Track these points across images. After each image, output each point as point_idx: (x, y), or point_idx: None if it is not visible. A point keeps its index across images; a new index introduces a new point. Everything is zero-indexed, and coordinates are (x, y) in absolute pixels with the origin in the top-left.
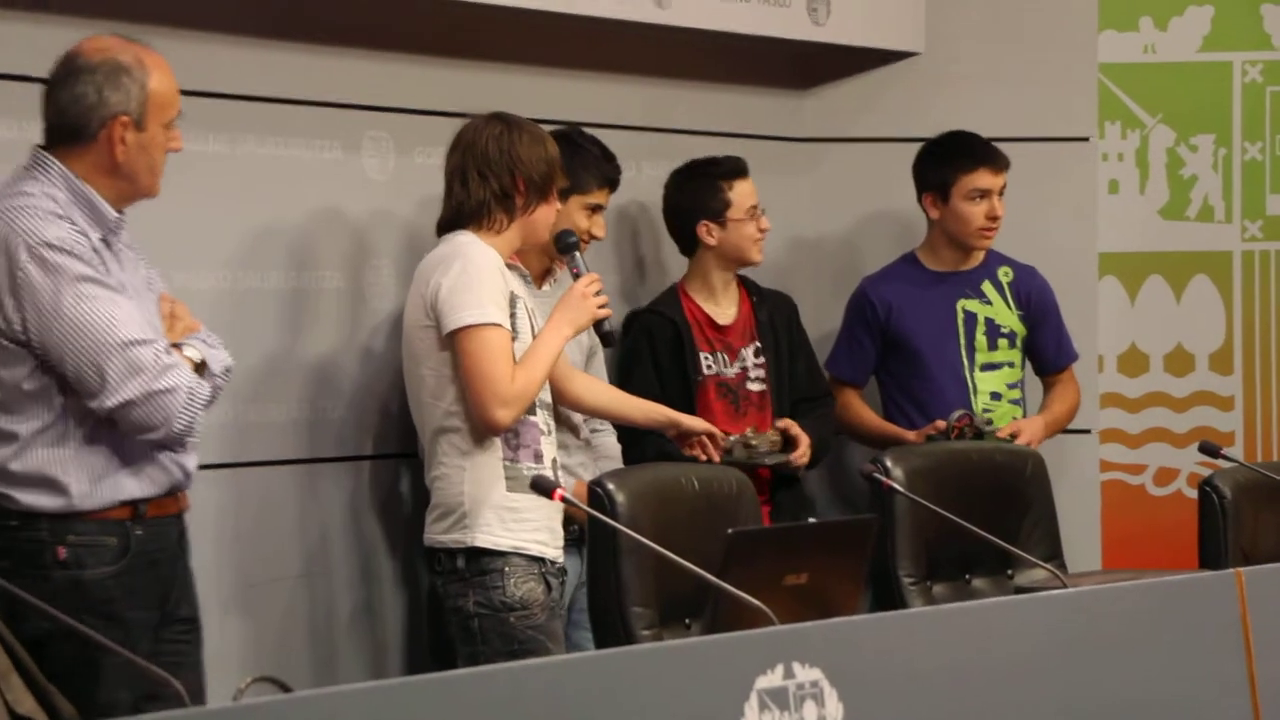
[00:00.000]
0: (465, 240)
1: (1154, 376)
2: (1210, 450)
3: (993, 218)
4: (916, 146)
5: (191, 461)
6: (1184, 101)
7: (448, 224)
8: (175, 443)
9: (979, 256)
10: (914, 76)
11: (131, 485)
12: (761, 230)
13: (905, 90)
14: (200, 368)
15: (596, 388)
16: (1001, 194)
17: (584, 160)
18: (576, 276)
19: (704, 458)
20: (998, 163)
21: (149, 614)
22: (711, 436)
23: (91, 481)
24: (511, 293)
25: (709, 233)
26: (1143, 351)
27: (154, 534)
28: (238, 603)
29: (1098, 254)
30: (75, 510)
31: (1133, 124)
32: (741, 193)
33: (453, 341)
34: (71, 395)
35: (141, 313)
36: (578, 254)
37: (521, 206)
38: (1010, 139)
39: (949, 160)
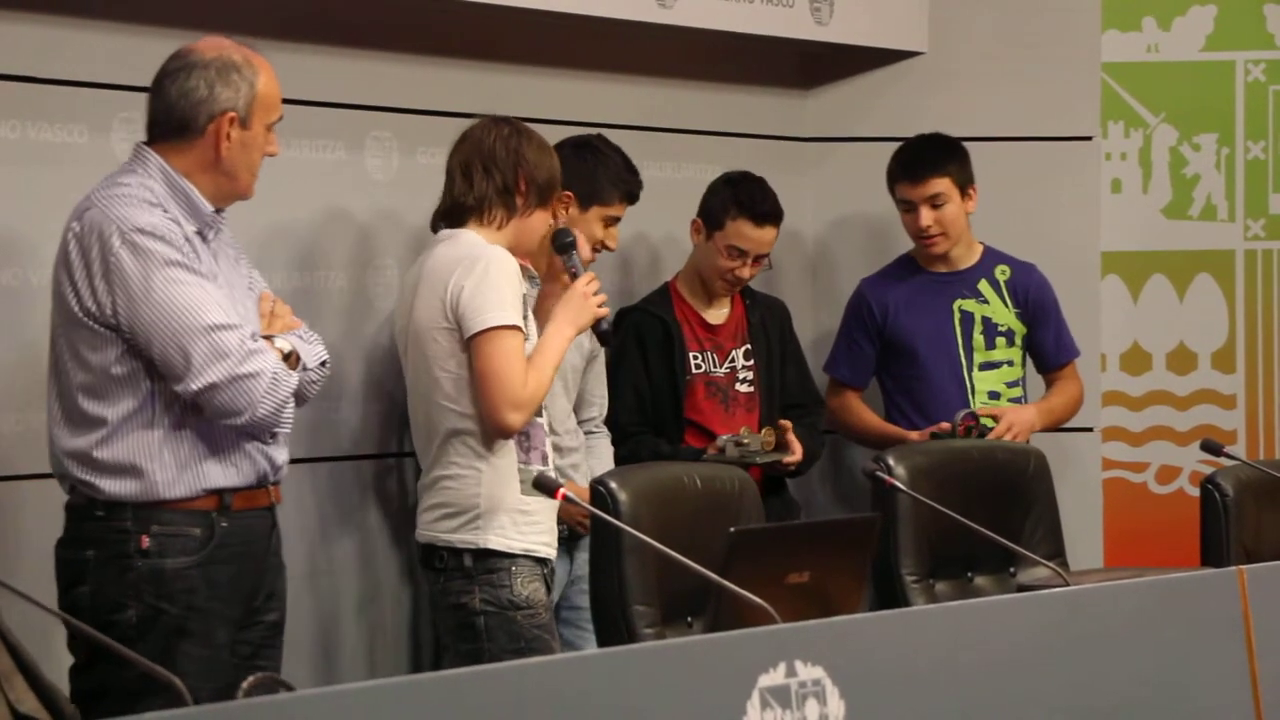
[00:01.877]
0: (475, 239)
1: (1156, 375)
2: (1212, 448)
3: (917, 228)
4: None
5: (281, 455)
6: (1187, 101)
7: (443, 216)
8: (260, 429)
9: (974, 255)
10: (917, 76)
11: (217, 474)
12: (736, 274)
13: (908, 90)
14: (290, 359)
15: None
16: (936, 204)
17: (607, 170)
18: (574, 276)
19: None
20: (914, 175)
21: (231, 608)
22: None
23: (177, 468)
24: (524, 294)
25: (695, 231)
26: (1145, 350)
27: (241, 526)
28: None
29: (1100, 253)
30: (160, 498)
31: (1136, 123)
32: (736, 231)
33: (472, 344)
34: (159, 380)
35: (230, 301)
36: (574, 253)
37: (521, 206)
38: (1013, 138)
39: (889, 168)
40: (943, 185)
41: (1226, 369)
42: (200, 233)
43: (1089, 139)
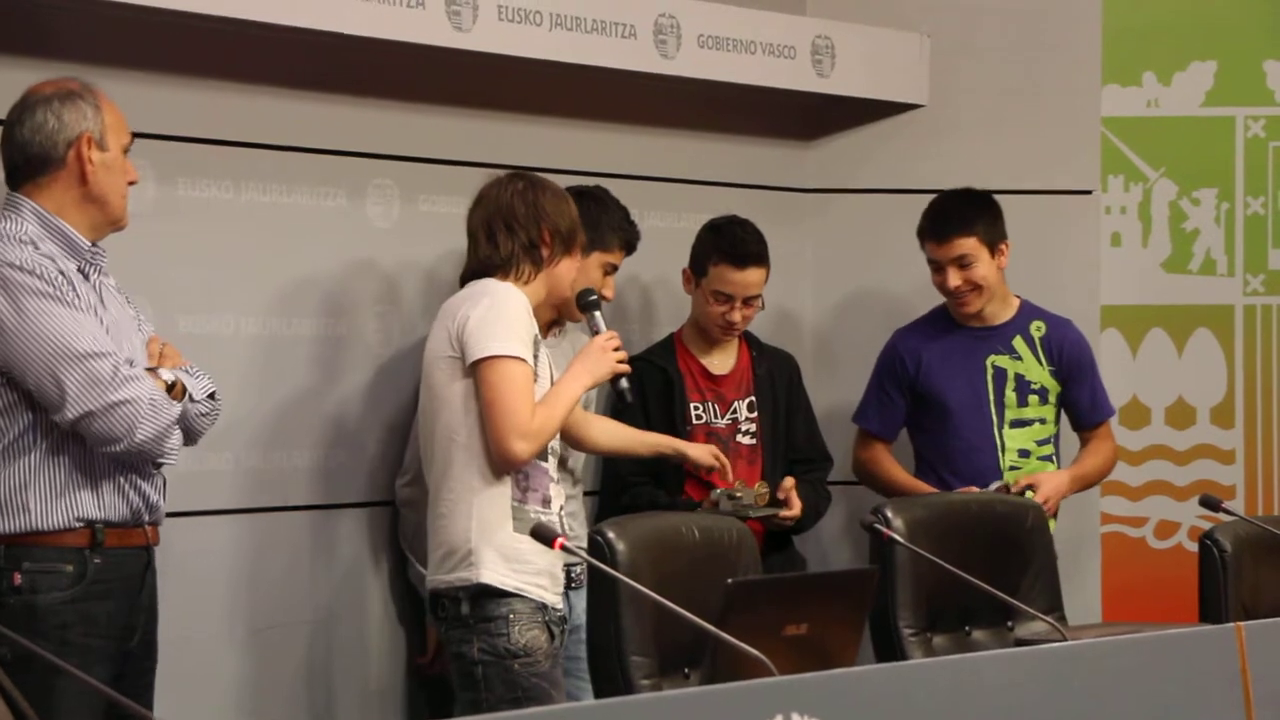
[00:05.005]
0: (495, 283)
1: (1155, 429)
2: (1211, 504)
3: (946, 289)
4: (920, 198)
5: (154, 492)
6: (1187, 156)
7: (472, 275)
8: (141, 456)
9: (1010, 310)
10: (918, 128)
11: (90, 507)
12: (727, 319)
13: (909, 142)
14: (174, 389)
15: (610, 428)
16: (963, 264)
17: (610, 219)
18: (595, 333)
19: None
20: (939, 235)
21: (107, 642)
22: (720, 463)
23: (51, 500)
24: (535, 336)
25: (686, 280)
26: (1144, 404)
27: (114, 564)
28: (247, 646)
29: (1100, 306)
30: (34, 530)
31: (1136, 177)
32: (719, 276)
33: (475, 371)
34: (39, 412)
35: (104, 331)
36: (598, 312)
37: (548, 258)
38: (1013, 191)
39: (920, 224)
40: (968, 245)
41: (1225, 424)
42: (81, 270)
43: (1089, 193)
